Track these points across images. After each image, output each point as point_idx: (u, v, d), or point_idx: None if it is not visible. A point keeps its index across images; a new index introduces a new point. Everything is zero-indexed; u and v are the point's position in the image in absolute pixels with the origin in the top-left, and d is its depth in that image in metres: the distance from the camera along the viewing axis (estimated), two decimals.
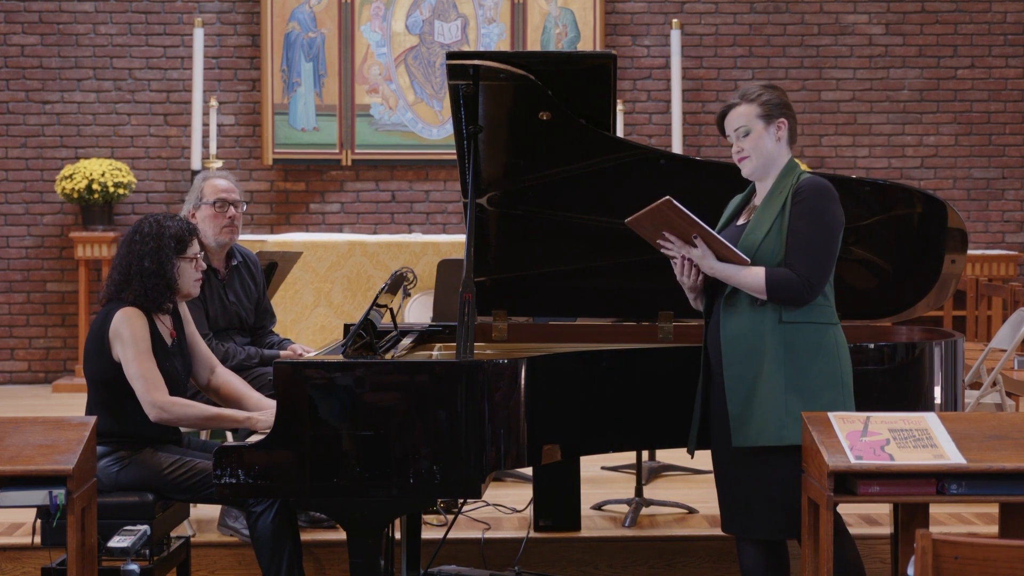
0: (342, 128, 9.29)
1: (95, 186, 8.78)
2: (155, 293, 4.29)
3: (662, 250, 3.93)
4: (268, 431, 4.17)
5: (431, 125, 9.35)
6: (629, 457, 5.69)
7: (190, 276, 4.39)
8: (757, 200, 4.00)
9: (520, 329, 4.88)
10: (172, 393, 4.29)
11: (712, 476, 6.01)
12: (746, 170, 3.97)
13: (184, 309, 4.49)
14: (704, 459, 5.95)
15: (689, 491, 5.64)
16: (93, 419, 3.94)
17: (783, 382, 3.81)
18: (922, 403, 4.38)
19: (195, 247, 4.41)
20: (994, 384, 6.24)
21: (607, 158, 4.52)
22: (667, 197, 3.79)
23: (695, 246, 3.86)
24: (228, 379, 4.50)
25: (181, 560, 4.40)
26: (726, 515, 3.99)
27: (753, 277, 3.83)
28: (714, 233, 3.85)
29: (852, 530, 5.03)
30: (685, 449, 4.16)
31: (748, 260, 3.84)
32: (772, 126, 3.93)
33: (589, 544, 5.01)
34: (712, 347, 3.96)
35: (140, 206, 9.29)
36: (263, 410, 4.30)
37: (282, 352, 5.07)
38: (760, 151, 3.93)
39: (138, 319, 4.26)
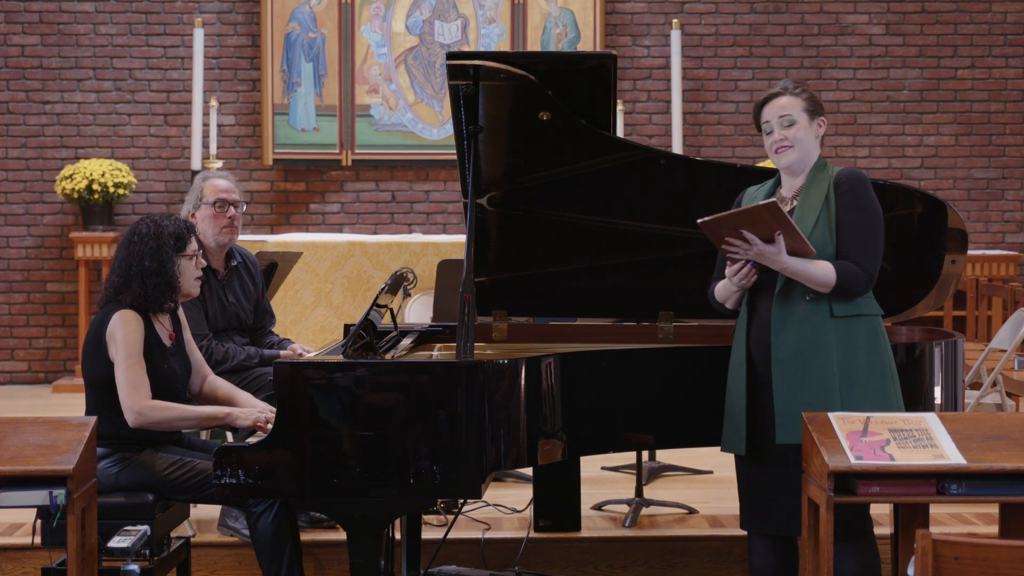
0: (342, 128, 9.29)
1: (95, 186, 8.78)
2: (157, 292, 4.29)
3: (728, 252, 3.86)
4: (248, 425, 4.22)
5: (431, 125, 9.35)
6: (629, 457, 5.69)
7: (191, 274, 4.40)
8: (786, 192, 3.99)
9: (520, 329, 4.88)
10: (169, 395, 4.30)
11: (712, 477, 6.02)
12: (785, 161, 3.94)
13: (181, 313, 4.50)
14: (704, 460, 5.96)
15: (689, 491, 5.64)
16: (93, 419, 3.94)
17: (836, 377, 3.82)
18: (922, 403, 4.38)
19: (193, 244, 4.41)
20: (994, 384, 6.24)
21: (607, 158, 4.51)
22: (773, 200, 3.76)
23: (772, 243, 3.80)
24: (219, 384, 4.52)
25: (181, 560, 4.40)
26: (748, 512, 3.96)
27: (824, 271, 3.82)
28: (798, 230, 3.80)
29: None
30: (686, 449, 4.15)
31: (814, 251, 3.82)
32: (815, 122, 3.95)
33: (589, 544, 5.01)
34: (756, 345, 3.93)
35: (140, 206, 9.29)
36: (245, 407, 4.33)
37: (282, 352, 5.07)
38: (803, 144, 3.93)
39: (134, 322, 4.26)
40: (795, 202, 3.94)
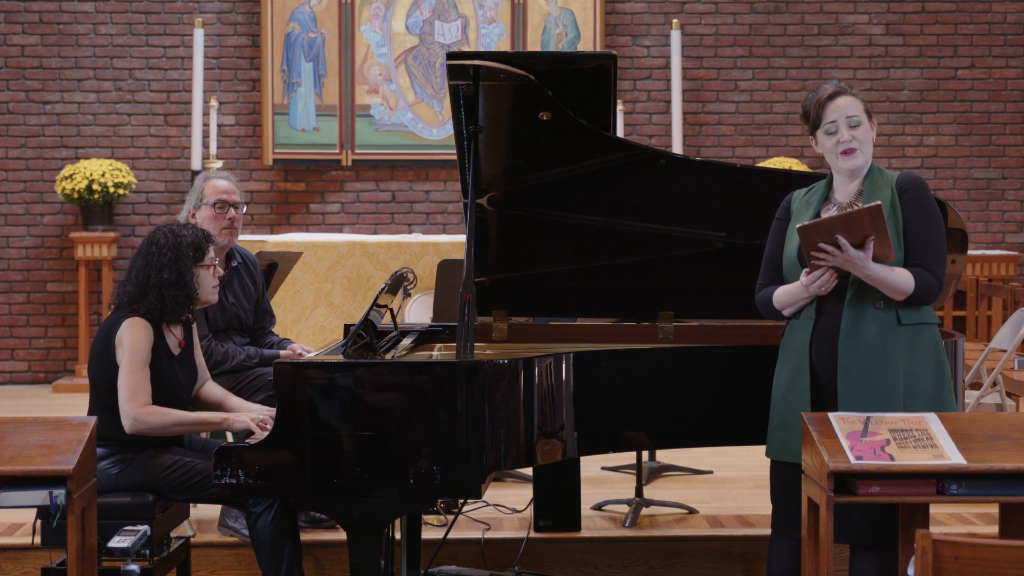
0: (342, 128, 9.29)
1: (95, 186, 8.78)
2: (175, 304, 4.30)
3: (816, 259, 3.75)
4: (243, 430, 4.22)
5: (431, 125, 9.35)
6: (629, 457, 5.69)
7: (208, 283, 4.41)
8: (841, 197, 3.92)
9: (520, 329, 4.88)
10: (173, 402, 4.31)
11: (712, 477, 6.01)
12: (852, 163, 3.86)
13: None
14: (705, 459, 5.96)
15: (689, 491, 5.64)
16: (93, 419, 3.94)
17: (901, 385, 3.80)
18: None
19: (211, 253, 4.43)
20: (994, 384, 6.24)
21: (607, 158, 4.51)
22: (878, 203, 3.69)
23: (860, 249, 3.72)
24: (212, 389, 4.55)
25: (181, 560, 4.40)
26: (786, 517, 3.89)
27: (904, 279, 3.77)
28: (889, 236, 3.75)
29: None
30: (686, 449, 4.14)
31: (894, 256, 3.77)
32: (872, 124, 3.91)
33: (589, 544, 5.01)
34: (819, 351, 3.85)
35: (140, 206, 9.29)
36: (240, 411, 4.34)
37: (282, 352, 5.07)
38: (868, 146, 3.88)
39: (143, 330, 4.27)
40: (857, 207, 3.83)
